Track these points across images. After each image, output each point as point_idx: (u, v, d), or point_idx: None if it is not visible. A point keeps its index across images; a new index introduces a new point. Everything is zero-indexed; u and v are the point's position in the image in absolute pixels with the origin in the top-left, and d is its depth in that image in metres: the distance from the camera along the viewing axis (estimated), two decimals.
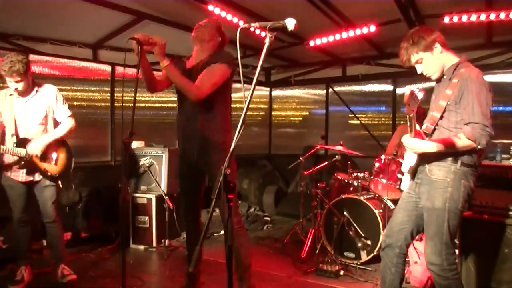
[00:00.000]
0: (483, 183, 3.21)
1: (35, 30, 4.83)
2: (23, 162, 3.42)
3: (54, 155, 3.55)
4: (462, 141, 2.33)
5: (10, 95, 3.43)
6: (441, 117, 2.51)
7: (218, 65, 2.88)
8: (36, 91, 3.49)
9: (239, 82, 7.86)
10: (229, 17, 4.58)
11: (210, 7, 4.40)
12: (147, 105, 6.04)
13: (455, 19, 4.52)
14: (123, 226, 4.84)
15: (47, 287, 3.60)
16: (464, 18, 4.47)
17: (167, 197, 4.62)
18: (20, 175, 3.47)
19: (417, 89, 2.30)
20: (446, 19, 4.55)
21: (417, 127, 2.53)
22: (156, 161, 4.96)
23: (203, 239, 1.82)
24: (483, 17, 4.42)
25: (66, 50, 5.24)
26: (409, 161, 2.64)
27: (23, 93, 3.41)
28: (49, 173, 3.51)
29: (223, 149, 2.91)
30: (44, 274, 3.80)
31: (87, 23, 4.82)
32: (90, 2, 4.18)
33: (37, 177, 3.50)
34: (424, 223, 2.57)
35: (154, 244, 4.81)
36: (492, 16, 4.39)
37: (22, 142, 3.41)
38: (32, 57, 4.96)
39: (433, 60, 2.53)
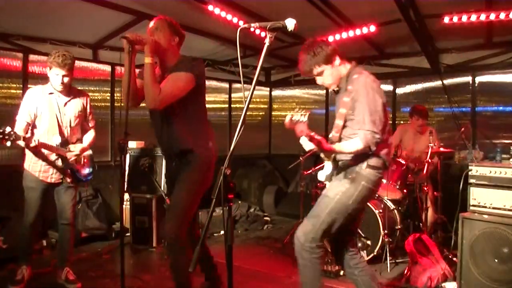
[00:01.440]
0: (483, 183, 3.21)
1: (35, 30, 4.83)
2: (65, 162, 3.45)
3: (82, 157, 3.63)
4: (354, 144, 2.46)
5: (50, 93, 3.43)
6: (345, 126, 2.60)
7: (182, 74, 2.67)
8: (74, 95, 3.54)
9: (239, 82, 7.82)
10: (229, 17, 4.57)
11: (210, 7, 4.40)
12: None
13: (455, 19, 4.52)
14: (123, 226, 4.83)
15: (47, 287, 3.60)
16: (464, 18, 4.47)
17: (167, 197, 4.61)
18: (49, 175, 3.46)
19: (297, 113, 2.42)
20: (446, 19, 4.55)
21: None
22: (156, 161, 4.96)
23: (204, 240, 1.82)
24: (483, 17, 4.42)
25: (66, 50, 5.23)
26: (325, 170, 2.76)
27: (64, 91, 3.44)
28: (81, 174, 3.59)
29: (199, 161, 2.79)
30: (44, 274, 3.80)
31: (87, 23, 4.82)
32: (90, 2, 4.18)
33: (67, 178, 3.52)
34: None
35: (154, 244, 4.81)
36: (492, 16, 4.38)
37: (64, 143, 3.45)
38: (32, 57, 4.97)
39: (332, 72, 2.62)
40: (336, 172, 2.69)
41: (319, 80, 2.66)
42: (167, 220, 2.77)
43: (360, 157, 2.53)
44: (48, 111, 3.41)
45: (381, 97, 2.51)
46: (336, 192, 2.57)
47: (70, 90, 3.52)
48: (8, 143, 3.06)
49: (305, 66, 2.62)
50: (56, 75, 3.34)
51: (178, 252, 2.74)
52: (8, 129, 3.05)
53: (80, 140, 3.62)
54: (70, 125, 3.52)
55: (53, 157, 3.43)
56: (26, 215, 3.47)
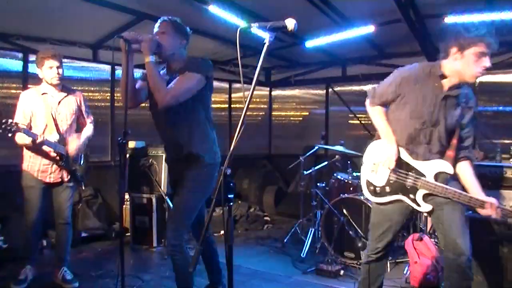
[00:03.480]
0: (483, 183, 3.21)
1: (35, 30, 4.82)
2: (62, 162, 3.44)
3: (81, 155, 3.63)
4: None
5: (43, 94, 3.46)
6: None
7: (192, 74, 2.65)
8: (67, 94, 3.56)
9: (239, 82, 7.80)
10: (229, 17, 4.58)
11: (210, 7, 4.40)
12: (147, 105, 6.04)
13: (455, 19, 4.51)
14: (123, 226, 4.83)
15: (48, 287, 3.59)
16: (466, 18, 4.47)
17: (167, 197, 4.61)
18: (48, 175, 3.46)
19: None
20: (447, 19, 4.55)
21: None
22: (156, 161, 4.96)
23: (203, 239, 1.82)
24: (484, 17, 4.41)
25: (66, 50, 5.24)
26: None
27: (59, 85, 3.48)
28: (78, 173, 3.57)
29: (202, 163, 2.76)
30: (44, 274, 3.79)
31: (87, 23, 4.82)
32: (90, 2, 4.19)
33: (66, 177, 3.52)
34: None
35: (154, 244, 4.81)
36: (494, 16, 4.38)
37: (62, 141, 3.45)
38: (32, 57, 4.95)
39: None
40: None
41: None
42: (169, 226, 2.76)
43: None
44: (44, 110, 3.43)
45: None
46: None
47: (62, 89, 3.55)
48: (10, 134, 3.11)
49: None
50: (50, 68, 3.39)
51: (181, 257, 2.72)
52: (9, 120, 3.10)
53: (77, 137, 3.60)
54: (65, 123, 3.52)
55: (52, 155, 3.43)
56: (27, 215, 3.47)
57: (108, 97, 5.76)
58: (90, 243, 4.89)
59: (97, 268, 4.06)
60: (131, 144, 5.12)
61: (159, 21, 2.81)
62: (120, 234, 2.75)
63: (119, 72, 5.71)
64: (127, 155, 3.04)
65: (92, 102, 5.62)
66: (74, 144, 3.51)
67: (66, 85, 3.64)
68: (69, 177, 3.54)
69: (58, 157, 3.44)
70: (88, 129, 3.70)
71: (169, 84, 2.67)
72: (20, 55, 4.89)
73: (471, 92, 2.49)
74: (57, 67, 3.41)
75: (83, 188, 3.73)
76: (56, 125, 3.46)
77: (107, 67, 5.73)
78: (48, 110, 3.43)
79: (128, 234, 4.99)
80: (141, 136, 5.28)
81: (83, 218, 5.01)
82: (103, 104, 5.74)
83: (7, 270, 3.77)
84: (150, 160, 4.98)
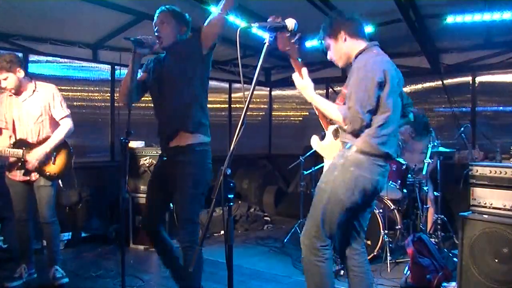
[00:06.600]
0: (483, 183, 3.21)
1: (35, 30, 4.83)
2: (20, 163, 3.43)
3: (53, 154, 3.53)
4: (335, 111, 2.40)
5: (10, 95, 3.45)
6: None
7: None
8: (33, 91, 3.47)
9: (239, 82, 7.82)
10: (229, 17, 4.57)
11: (210, 7, 4.40)
12: (147, 105, 6.04)
13: (455, 19, 4.52)
14: (123, 226, 4.84)
15: (46, 287, 3.60)
16: (467, 18, 4.47)
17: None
18: (18, 174, 3.49)
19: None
20: (447, 19, 4.56)
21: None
22: (156, 161, 4.95)
23: (203, 240, 1.82)
24: (486, 17, 4.42)
25: (66, 50, 5.24)
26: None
27: (16, 92, 3.40)
28: (47, 173, 3.50)
29: (199, 160, 2.72)
30: (43, 273, 3.79)
31: (87, 23, 4.82)
32: (90, 2, 4.19)
33: (33, 176, 3.49)
34: None
35: None
36: (495, 16, 4.39)
37: (19, 143, 3.43)
38: (32, 57, 4.97)
39: (336, 48, 2.64)
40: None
41: (328, 55, 2.68)
42: (185, 219, 2.70)
43: (349, 139, 2.33)
44: (8, 112, 3.43)
45: (373, 76, 2.32)
46: (327, 182, 2.35)
47: (26, 87, 3.43)
48: None
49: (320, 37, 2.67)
50: None
51: (193, 257, 2.70)
52: None
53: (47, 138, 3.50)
54: (29, 123, 3.45)
55: (11, 157, 3.44)
56: (14, 212, 3.55)
57: (108, 97, 5.76)
58: (90, 243, 4.89)
59: (97, 268, 4.06)
60: (131, 144, 5.12)
61: (157, 11, 2.80)
62: (120, 234, 2.73)
63: (122, 72, 5.70)
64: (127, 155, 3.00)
65: (92, 102, 5.63)
66: (34, 153, 3.40)
67: (36, 81, 3.53)
68: (36, 176, 3.48)
69: (17, 159, 3.42)
70: (58, 131, 3.51)
71: (166, 66, 2.75)
72: (20, 55, 4.87)
73: None
74: (3, 79, 3.28)
75: (61, 186, 3.64)
76: (14, 126, 3.44)
77: (107, 67, 5.73)
78: (11, 111, 3.43)
79: (128, 234, 4.99)
80: (141, 136, 5.29)
81: (83, 218, 5.00)
82: (103, 104, 5.74)
83: (7, 270, 3.77)
84: (150, 160, 4.98)
